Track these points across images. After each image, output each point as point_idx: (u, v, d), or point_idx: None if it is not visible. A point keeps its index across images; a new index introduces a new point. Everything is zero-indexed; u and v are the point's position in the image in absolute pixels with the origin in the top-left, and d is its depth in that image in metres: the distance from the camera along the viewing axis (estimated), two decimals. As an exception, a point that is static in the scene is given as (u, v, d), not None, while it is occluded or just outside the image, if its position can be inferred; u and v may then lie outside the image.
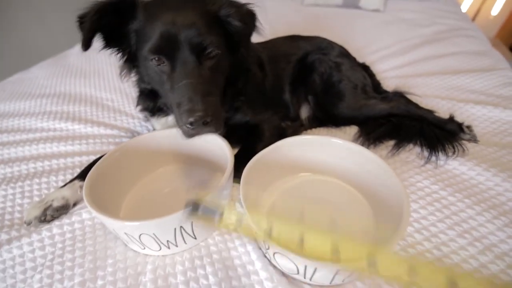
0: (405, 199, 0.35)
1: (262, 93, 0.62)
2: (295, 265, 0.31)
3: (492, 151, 0.53)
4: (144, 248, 0.38)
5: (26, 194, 0.50)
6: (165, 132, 0.51)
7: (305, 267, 0.31)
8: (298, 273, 0.33)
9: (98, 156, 0.55)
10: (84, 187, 0.39)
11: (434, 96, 0.69)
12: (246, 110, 0.56)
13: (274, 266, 0.36)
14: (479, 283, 0.23)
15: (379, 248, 0.28)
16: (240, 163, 0.42)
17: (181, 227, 0.36)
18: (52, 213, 0.44)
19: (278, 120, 0.60)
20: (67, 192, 0.47)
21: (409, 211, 0.34)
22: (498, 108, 0.63)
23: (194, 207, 0.31)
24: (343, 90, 0.63)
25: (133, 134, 0.64)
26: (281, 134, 0.58)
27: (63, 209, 0.46)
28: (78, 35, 0.43)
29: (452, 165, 0.50)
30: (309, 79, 0.66)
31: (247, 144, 0.55)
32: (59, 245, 0.41)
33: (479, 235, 0.39)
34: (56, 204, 0.45)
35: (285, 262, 0.32)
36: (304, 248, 0.28)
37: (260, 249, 0.38)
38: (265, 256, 0.38)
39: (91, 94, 0.78)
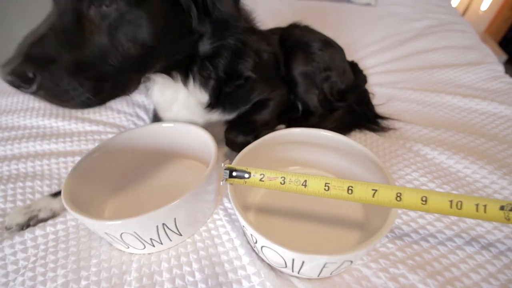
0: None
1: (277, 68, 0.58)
2: (283, 258, 0.31)
3: (479, 143, 0.53)
4: (128, 247, 0.37)
5: (9, 198, 0.47)
6: (147, 128, 0.49)
7: (293, 260, 0.30)
8: (286, 266, 0.32)
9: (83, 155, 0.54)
10: (62, 189, 0.38)
11: (423, 89, 0.70)
12: (262, 89, 0.51)
13: (262, 261, 0.36)
14: None
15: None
16: (236, 129, 0.43)
17: (163, 224, 0.35)
18: (36, 223, 0.42)
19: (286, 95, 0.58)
20: (57, 206, 0.44)
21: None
22: (485, 101, 0.64)
23: (230, 173, 0.36)
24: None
25: (119, 129, 0.63)
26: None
27: (48, 220, 0.44)
28: None
29: (440, 158, 0.51)
30: None
31: (250, 111, 0.53)
32: (42, 247, 0.40)
33: (466, 227, 0.39)
34: (42, 215, 0.43)
35: (273, 256, 0.32)
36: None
37: (248, 243, 0.38)
38: (253, 251, 0.37)
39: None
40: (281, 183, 0.35)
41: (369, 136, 0.58)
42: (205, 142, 0.45)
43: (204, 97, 0.47)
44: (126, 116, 0.67)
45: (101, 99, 0.35)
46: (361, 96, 0.66)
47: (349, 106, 0.61)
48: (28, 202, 0.47)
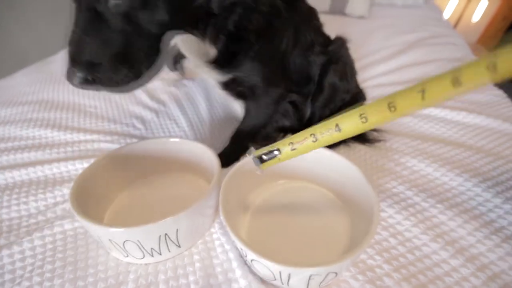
0: (375, 204, 0.36)
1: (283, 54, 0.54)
2: (271, 271, 0.32)
3: (466, 156, 0.55)
4: (127, 256, 0.39)
5: (5, 203, 0.49)
6: (154, 141, 0.51)
7: (280, 273, 0.32)
8: (275, 279, 0.34)
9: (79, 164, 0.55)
10: (70, 194, 0.40)
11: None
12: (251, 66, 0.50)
13: (254, 274, 0.37)
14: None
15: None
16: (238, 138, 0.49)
17: (165, 234, 0.37)
18: None
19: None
20: None
21: (379, 214, 0.36)
22: (472, 114, 0.66)
23: (260, 159, 0.36)
24: None
25: (113, 138, 0.64)
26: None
27: None
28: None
29: (427, 170, 0.52)
30: None
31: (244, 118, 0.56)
32: (40, 256, 0.41)
33: (450, 240, 0.41)
34: None
35: (262, 269, 0.33)
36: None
37: (241, 257, 0.39)
38: (246, 264, 0.39)
39: (74, 101, 0.78)
40: (313, 141, 0.32)
41: (357, 149, 0.60)
42: (208, 159, 0.47)
43: (213, 51, 0.49)
44: (122, 127, 0.68)
45: (139, 73, 0.40)
46: None
47: None
48: (32, 209, 0.48)
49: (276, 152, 0.35)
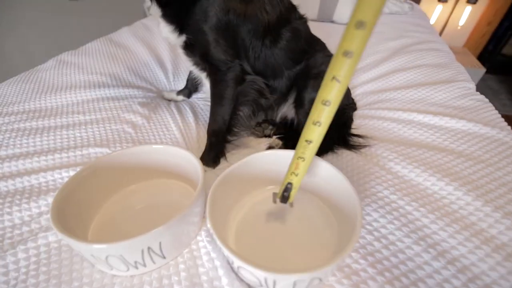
0: (359, 213, 0.37)
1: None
2: (257, 278, 0.33)
3: (447, 160, 0.57)
4: (112, 269, 0.38)
5: None
6: (137, 148, 0.51)
7: (265, 279, 0.32)
8: (261, 285, 0.34)
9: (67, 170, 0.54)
10: (50, 209, 0.39)
11: (396, 109, 0.74)
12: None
13: (240, 281, 0.37)
14: None
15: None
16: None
17: (148, 247, 0.36)
18: None
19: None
20: None
21: (361, 219, 0.36)
22: (454, 119, 0.68)
23: (285, 198, 0.42)
24: None
25: (103, 143, 0.64)
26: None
27: None
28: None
29: (410, 175, 0.54)
30: None
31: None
32: (23, 270, 0.40)
33: (432, 242, 0.42)
34: None
35: (249, 275, 0.34)
36: None
37: (228, 264, 0.39)
38: (233, 271, 0.39)
39: (62, 108, 0.77)
40: (303, 161, 0.38)
41: (344, 155, 0.61)
42: (193, 165, 0.47)
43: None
44: (113, 133, 0.68)
45: None
46: (345, 121, 0.69)
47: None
48: (17, 219, 0.47)
49: (289, 186, 0.41)
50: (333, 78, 0.30)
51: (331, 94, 0.31)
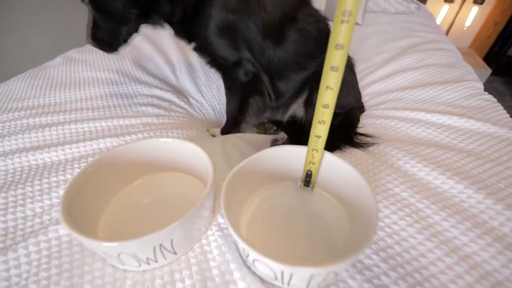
0: (374, 209, 0.36)
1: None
2: (273, 271, 0.32)
3: (456, 159, 0.57)
4: (124, 265, 0.38)
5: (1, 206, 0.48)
6: (146, 141, 0.51)
7: (282, 272, 0.32)
8: (276, 279, 0.34)
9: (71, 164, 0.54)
10: (60, 207, 0.38)
11: (405, 109, 0.73)
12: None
13: (253, 275, 0.37)
14: None
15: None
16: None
17: (160, 245, 0.36)
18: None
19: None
20: None
21: (377, 219, 0.36)
22: (463, 118, 0.68)
23: (308, 182, 0.48)
24: None
25: (111, 134, 0.64)
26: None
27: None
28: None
29: (419, 174, 0.54)
30: None
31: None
32: (35, 263, 0.40)
33: (444, 239, 0.42)
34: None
35: (264, 269, 0.34)
36: None
37: (240, 258, 0.40)
38: (244, 265, 0.39)
39: (71, 106, 0.78)
40: (316, 152, 0.43)
41: (353, 153, 0.61)
42: (202, 159, 0.47)
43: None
44: (122, 128, 0.68)
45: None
46: (350, 120, 0.69)
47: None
48: (28, 210, 0.47)
49: (309, 172, 0.46)
50: (332, 68, 0.33)
51: (330, 81, 0.34)
